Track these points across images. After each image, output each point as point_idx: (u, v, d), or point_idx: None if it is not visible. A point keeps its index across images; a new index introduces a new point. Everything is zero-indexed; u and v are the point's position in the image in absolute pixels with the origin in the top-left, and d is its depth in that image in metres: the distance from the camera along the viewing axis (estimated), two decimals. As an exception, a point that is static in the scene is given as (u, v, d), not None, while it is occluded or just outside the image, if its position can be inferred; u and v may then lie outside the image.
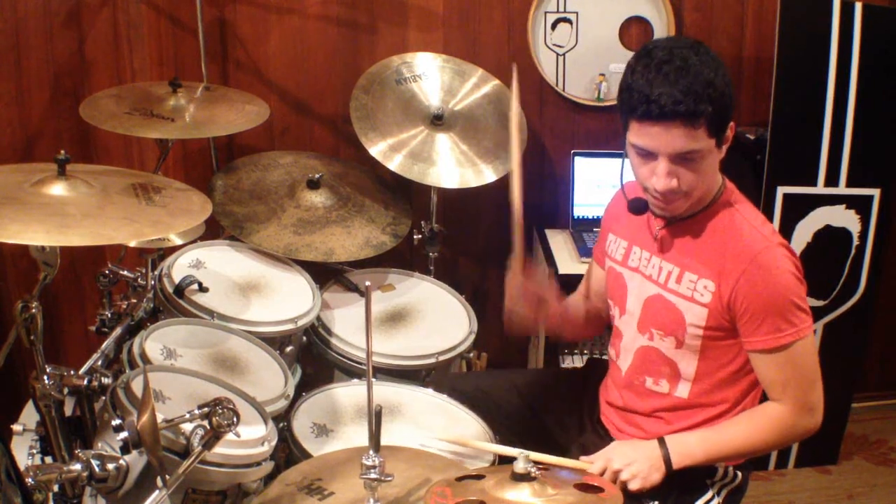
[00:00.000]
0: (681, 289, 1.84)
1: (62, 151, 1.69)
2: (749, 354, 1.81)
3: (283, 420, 2.05)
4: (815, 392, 1.79)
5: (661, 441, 1.83)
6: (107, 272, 2.34)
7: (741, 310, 1.76)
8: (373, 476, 1.52)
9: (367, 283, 1.52)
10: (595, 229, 3.02)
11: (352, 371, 2.35)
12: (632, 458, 1.80)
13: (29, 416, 2.07)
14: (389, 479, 1.53)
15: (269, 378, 2.13)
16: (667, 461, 1.80)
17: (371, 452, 1.52)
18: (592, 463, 1.83)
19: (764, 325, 1.74)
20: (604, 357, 2.91)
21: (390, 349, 2.36)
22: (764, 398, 1.85)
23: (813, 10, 2.68)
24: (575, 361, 2.98)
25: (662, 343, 1.89)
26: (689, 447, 1.82)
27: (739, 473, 1.92)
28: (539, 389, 2.19)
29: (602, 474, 1.79)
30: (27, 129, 2.88)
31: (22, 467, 1.44)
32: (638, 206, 1.88)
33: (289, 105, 3.02)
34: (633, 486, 1.78)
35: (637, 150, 1.76)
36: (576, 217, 3.07)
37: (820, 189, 2.79)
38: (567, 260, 2.91)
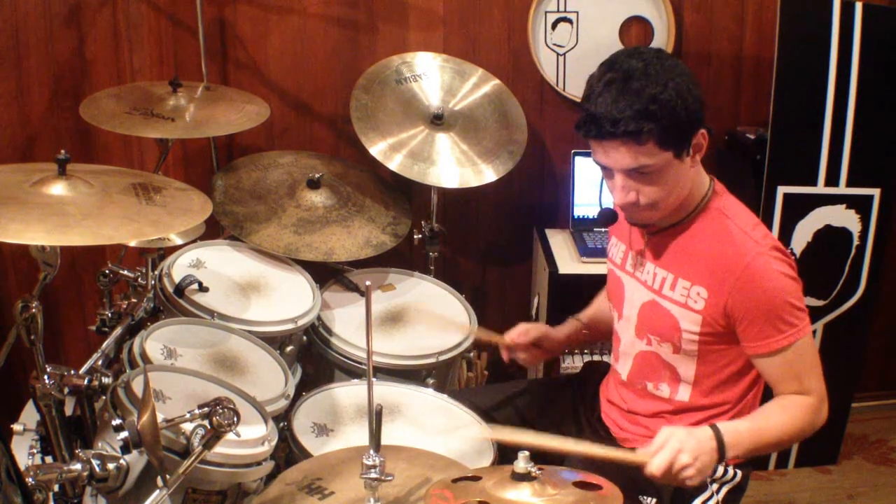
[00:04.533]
0: (675, 295, 1.83)
1: (62, 151, 1.69)
2: (751, 358, 1.80)
3: (283, 420, 2.05)
4: (823, 383, 1.78)
5: (716, 430, 1.68)
6: (107, 272, 2.34)
7: (739, 317, 1.75)
8: (373, 476, 1.52)
9: (367, 283, 1.52)
10: (595, 229, 3.02)
11: (352, 371, 2.35)
12: (698, 451, 1.64)
13: (29, 415, 2.07)
14: (390, 478, 1.54)
15: (270, 378, 2.13)
16: (721, 453, 1.67)
17: (371, 452, 1.52)
18: (652, 455, 1.65)
19: (764, 330, 1.74)
20: (603, 358, 2.92)
21: (390, 349, 2.36)
22: (765, 397, 1.85)
23: (813, 11, 2.68)
24: (576, 361, 2.97)
25: (661, 348, 1.88)
26: (740, 437, 1.70)
27: (739, 472, 1.91)
28: (534, 397, 2.19)
29: (664, 468, 1.62)
30: (27, 129, 2.88)
31: (22, 467, 1.44)
32: (605, 217, 1.89)
33: (289, 105, 3.02)
34: (695, 481, 1.64)
35: (596, 163, 1.78)
36: (576, 217, 3.07)
37: (820, 189, 2.79)
38: (567, 260, 2.91)
